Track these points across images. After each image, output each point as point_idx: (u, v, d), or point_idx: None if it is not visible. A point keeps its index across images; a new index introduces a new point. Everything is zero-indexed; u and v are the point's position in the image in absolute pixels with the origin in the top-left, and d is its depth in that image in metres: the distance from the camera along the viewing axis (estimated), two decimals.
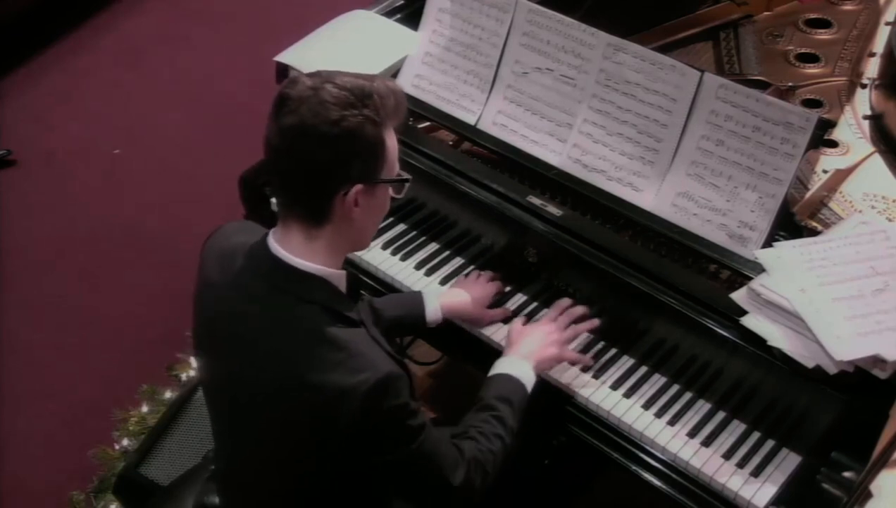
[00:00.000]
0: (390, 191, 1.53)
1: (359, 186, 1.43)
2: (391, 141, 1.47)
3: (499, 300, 1.99)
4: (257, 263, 1.50)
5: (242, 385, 1.53)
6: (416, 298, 1.91)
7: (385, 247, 2.11)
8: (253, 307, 1.49)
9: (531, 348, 1.79)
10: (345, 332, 1.45)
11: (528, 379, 1.75)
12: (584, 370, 1.86)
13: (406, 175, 1.54)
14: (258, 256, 1.50)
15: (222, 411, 1.65)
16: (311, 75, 1.45)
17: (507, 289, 2.01)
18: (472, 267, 2.06)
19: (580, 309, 1.88)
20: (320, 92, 1.39)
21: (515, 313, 1.97)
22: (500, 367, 1.77)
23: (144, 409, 2.72)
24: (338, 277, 1.51)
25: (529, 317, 1.97)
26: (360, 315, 1.51)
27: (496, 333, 1.94)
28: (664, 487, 1.74)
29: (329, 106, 1.39)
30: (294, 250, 1.47)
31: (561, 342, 1.82)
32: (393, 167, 1.50)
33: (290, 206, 1.48)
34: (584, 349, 1.89)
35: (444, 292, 1.96)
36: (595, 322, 1.87)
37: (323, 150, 1.40)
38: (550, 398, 1.84)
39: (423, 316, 1.89)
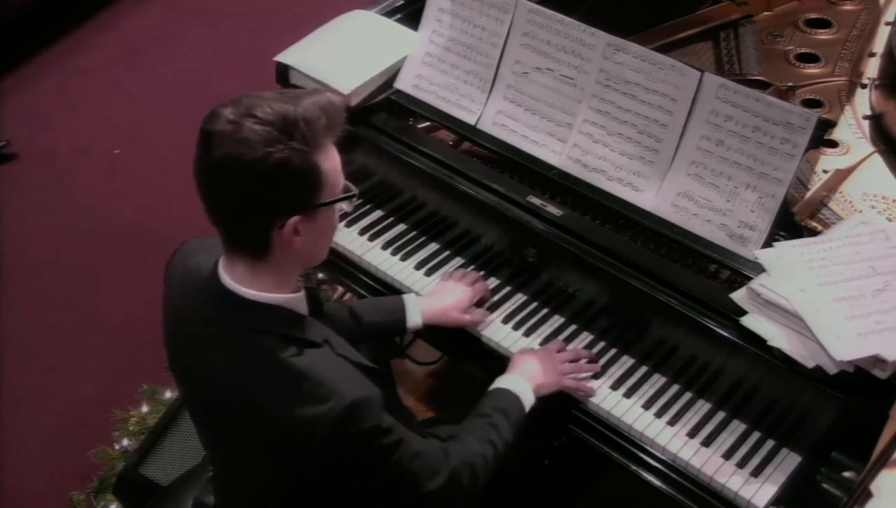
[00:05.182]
0: (340, 206, 1.46)
1: (295, 218, 1.37)
2: (329, 161, 1.39)
3: (499, 301, 1.99)
4: (209, 293, 1.46)
5: (210, 412, 1.52)
6: (398, 303, 1.90)
7: (385, 247, 2.11)
8: (211, 337, 1.46)
9: (532, 372, 1.79)
10: (307, 359, 1.41)
11: (527, 398, 1.75)
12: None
13: (352, 188, 1.46)
14: (210, 286, 1.46)
15: (199, 429, 1.65)
16: (233, 105, 1.36)
17: (498, 288, 2.01)
18: (471, 267, 2.06)
19: (584, 351, 1.89)
20: (241, 129, 1.32)
21: (515, 313, 1.97)
22: (500, 382, 1.78)
23: (144, 409, 2.72)
24: (295, 300, 1.47)
25: (529, 317, 1.97)
26: (322, 334, 1.47)
27: (496, 333, 1.94)
28: (664, 487, 1.74)
29: (251, 143, 1.31)
30: (242, 281, 1.43)
31: (561, 371, 1.82)
32: (335, 186, 1.42)
33: (229, 240, 1.43)
34: (585, 349, 1.90)
35: (425, 297, 1.94)
36: (596, 367, 1.86)
37: (249, 188, 1.34)
38: (551, 399, 1.84)
39: (404, 322, 1.88)
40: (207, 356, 1.47)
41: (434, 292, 1.96)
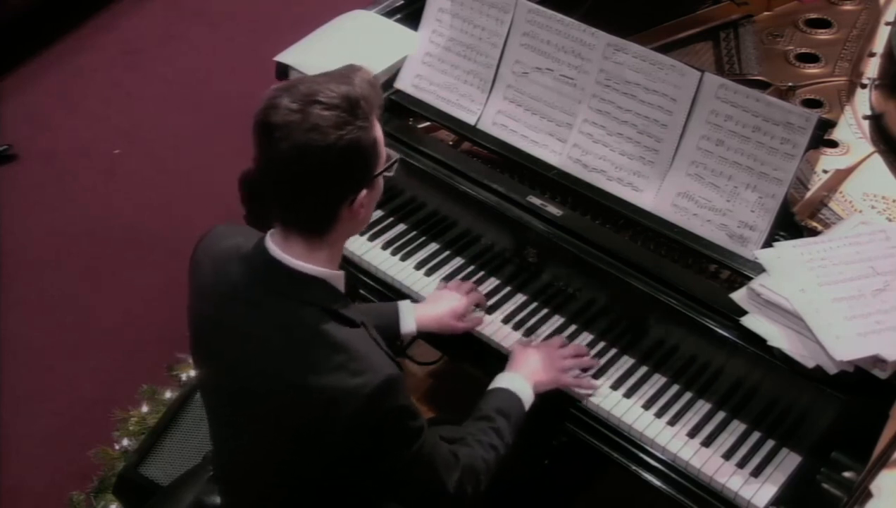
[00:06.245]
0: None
1: (363, 192, 1.43)
2: (379, 132, 1.45)
3: (499, 302, 1.99)
4: (255, 267, 1.49)
5: (242, 389, 1.52)
6: (392, 309, 1.91)
7: (385, 247, 2.11)
8: (252, 312, 1.47)
9: (532, 368, 1.80)
10: (345, 333, 1.44)
11: (527, 397, 1.76)
12: (584, 370, 1.86)
13: (393, 154, 1.52)
14: (255, 260, 1.49)
15: (221, 414, 1.64)
16: (288, 93, 1.38)
17: (499, 288, 2.02)
18: (471, 267, 2.06)
19: (585, 348, 1.89)
20: (309, 116, 1.35)
21: (515, 313, 1.98)
22: (501, 381, 1.78)
23: (144, 409, 2.72)
24: (337, 277, 1.51)
25: (529, 317, 1.97)
26: (360, 315, 1.50)
27: (496, 333, 1.94)
28: (664, 487, 1.74)
29: (323, 129, 1.35)
30: (295, 254, 1.46)
31: (561, 368, 1.82)
32: (383, 154, 1.48)
33: (292, 221, 1.46)
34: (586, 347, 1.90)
35: (421, 304, 1.95)
36: (596, 363, 1.87)
37: (324, 171, 1.38)
38: (550, 398, 1.84)
39: (398, 328, 1.89)
40: (247, 333, 1.47)
41: (429, 299, 1.96)
